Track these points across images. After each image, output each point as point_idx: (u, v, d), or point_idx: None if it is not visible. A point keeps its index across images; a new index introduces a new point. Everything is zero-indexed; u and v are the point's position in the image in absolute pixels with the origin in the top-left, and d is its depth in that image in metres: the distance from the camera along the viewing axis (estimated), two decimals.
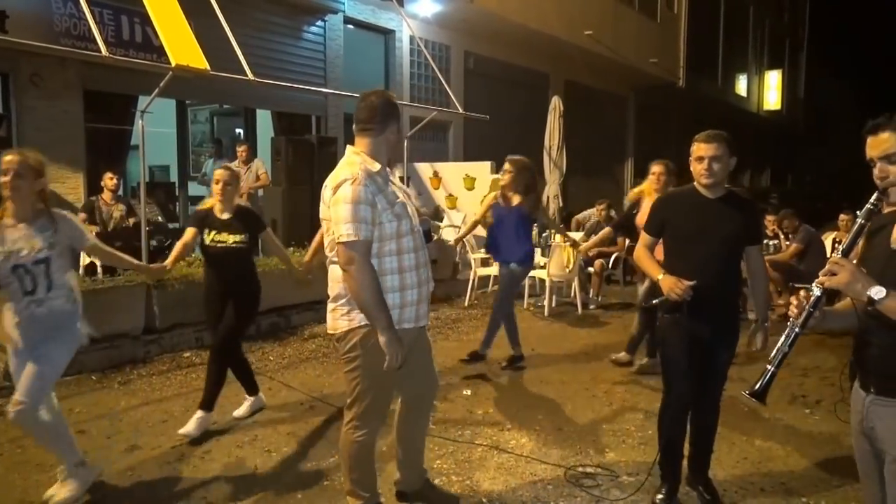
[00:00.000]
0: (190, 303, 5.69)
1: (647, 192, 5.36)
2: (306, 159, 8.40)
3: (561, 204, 10.89)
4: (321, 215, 2.77)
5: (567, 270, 7.99)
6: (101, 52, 5.81)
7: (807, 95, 30.98)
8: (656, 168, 5.28)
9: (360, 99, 2.80)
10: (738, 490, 3.41)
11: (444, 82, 10.35)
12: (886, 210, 1.95)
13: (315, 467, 3.66)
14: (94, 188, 7.57)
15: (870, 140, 1.88)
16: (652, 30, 17.02)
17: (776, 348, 1.98)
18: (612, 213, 9.44)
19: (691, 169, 3.11)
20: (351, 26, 10.47)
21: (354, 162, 2.68)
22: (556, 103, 10.69)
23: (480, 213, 6.00)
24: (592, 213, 9.86)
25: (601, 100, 16.51)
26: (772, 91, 26.61)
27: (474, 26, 11.81)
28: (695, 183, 3.14)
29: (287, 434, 4.11)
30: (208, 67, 6.20)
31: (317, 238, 4.11)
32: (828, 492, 3.37)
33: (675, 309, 3.05)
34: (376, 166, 2.69)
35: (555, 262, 7.81)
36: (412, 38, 10.98)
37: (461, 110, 10.52)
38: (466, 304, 8.26)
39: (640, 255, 3.31)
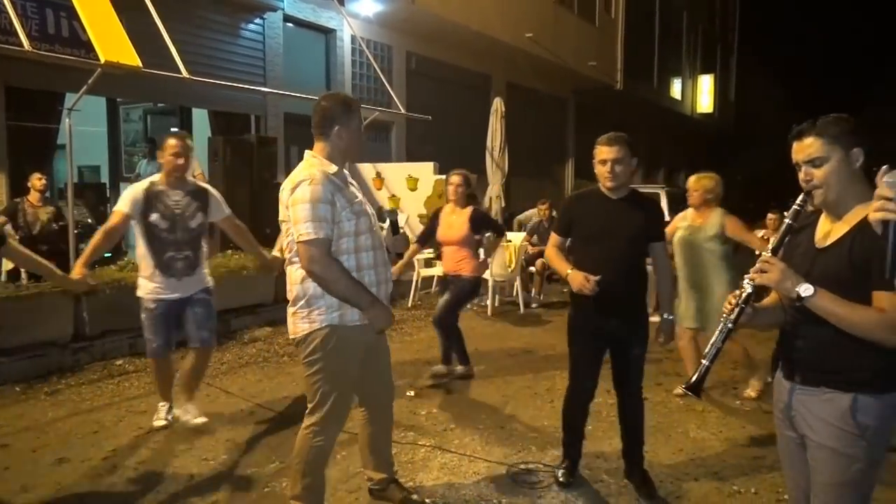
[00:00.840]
0: (122, 308, 5.48)
1: (446, 203, 5.40)
2: (245, 160, 8.21)
3: (503, 204, 10.99)
4: (280, 217, 2.79)
5: (509, 270, 8.08)
6: (23, 46, 5.54)
7: (737, 99, 32.22)
8: (454, 179, 5.27)
9: (314, 104, 2.85)
10: (672, 481, 3.51)
11: (385, 83, 10.30)
12: (811, 210, 2.04)
13: (254, 474, 3.58)
14: (17, 190, 7.20)
15: (795, 145, 1.96)
16: (590, 33, 17.37)
17: (710, 343, 2.04)
18: (554, 213, 9.59)
19: (595, 171, 3.24)
20: (291, 25, 10.31)
21: (312, 164, 2.72)
22: (497, 105, 10.78)
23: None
24: (534, 214, 9.98)
25: (542, 101, 16.75)
26: (704, 94, 27.55)
27: (416, 27, 11.80)
28: (599, 184, 3.27)
29: (226, 441, 4.01)
30: (140, 64, 6.00)
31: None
32: (758, 479, 3.51)
33: (580, 307, 3.24)
34: (332, 168, 2.72)
35: (497, 262, 7.87)
36: (353, 38, 10.90)
37: (403, 111, 10.50)
38: (410, 304, 8.25)
39: (550, 254, 3.46)
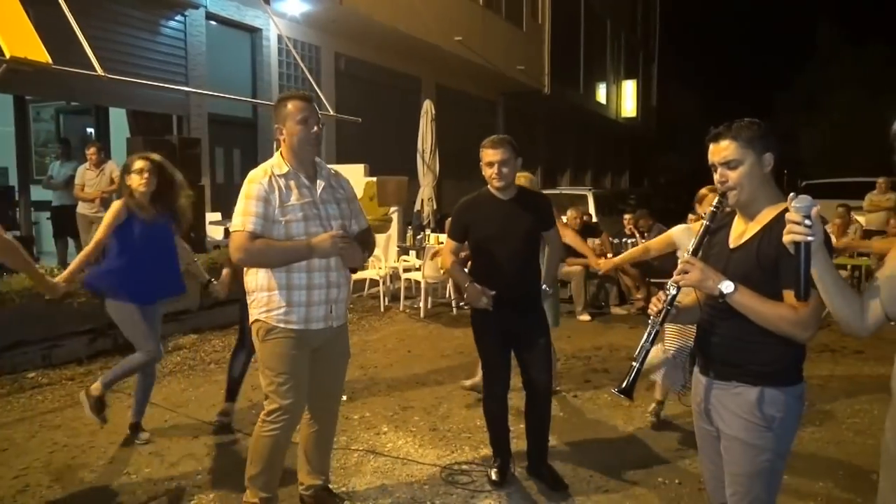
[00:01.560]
0: (34, 318, 5.19)
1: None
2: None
3: (435, 206, 11.01)
4: None
5: (441, 272, 8.09)
6: None
7: (659, 104, 33.46)
8: None
9: None
10: (601, 475, 3.59)
11: (314, 83, 10.16)
12: (728, 210, 2.13)
13: (181, 486, 3.45)
14: None
15: (712, 147, 2.04)
16: (518, 38, 17.67)
17: (640, 346, 2.11)
18: None
19: (483, 174, 3.33)
20: (214, 23, 10.01)
21: (268, 163, 2.83)
22: (427, 107, 10.80)
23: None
24: None
25: (472, 104, 16.91)
26: (628, 99, 28.47)
27: (344, 27, 11.69)
28: (488, 186, 3.35)
29: (149, 454, 3.84)
30: (49, 60, 5.69)
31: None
32: (681, 470, 3.65)
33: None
34: (283, 168, 2.79)
35: (429, 264, 7.88)
36: (280, 38, 10.69)
37: (332, 112, 10.37)
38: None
39: (447, 262, 3.53)
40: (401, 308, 8.09)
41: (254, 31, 10.74)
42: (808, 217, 1.64)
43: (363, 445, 3.98)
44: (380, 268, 8.35)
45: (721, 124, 2.04)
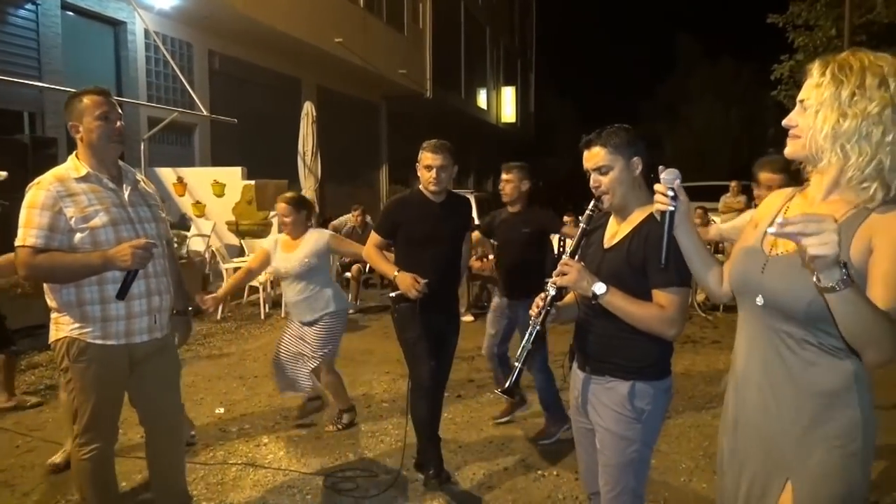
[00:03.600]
0: None
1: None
2: (18, 163, 7.18)
3: (317, 210, 10.81)
4: None
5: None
6: None
7: (537, 110, 34.75)
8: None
9: None
10: (484, 471, 3.67)
11: (185, 82, 9.67)
12: (603, 212, 2.24)
13: None
14: None
15: (585, 154, 2.14)
16: (400, 42, 17.72)
17: (521, 346, 2.16)
18: (368, 218, 9.62)
19: (419, 175, 3.36)
20: (71, 13, 9.28)
21: (60, 167, 2.56)
22: (308, 109, 10.58)
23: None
24: (349, 219, 9.95)
25: (354, 107, 16.76)
26: (508, 105, 29.34)
27: (218, 24, 11.20)
28: (421, 187, 3.39)
29: None
30: None
31: None
32: (559, 462, 3.78)
33: (408, 300, 3.27)
34: (82, 171, 2.53)
35: None
36: (147, 32, 10.08)
37: (206, 112, 9.92)
38: (219, 316, 7.80)
39: (371, 254, 3.50)
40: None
41: (117, 25, 10.05)
42: (672, 188, 1.75)
43: (242, 458, 3.82)
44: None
45: (593, 130, 2.14)
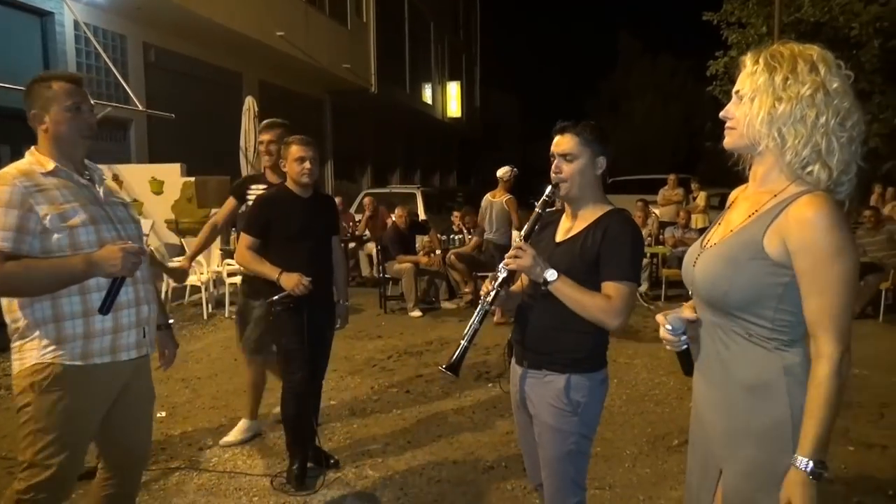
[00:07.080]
0: None
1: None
2: None
3: None
4: None
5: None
6: None
7: (482, 106, 34.90)
8: None
9: None
10: (434, 466, 3.67)
11: (119, 76, 9.32)
12: (556, 209, 2.27)
13: None
14: None
15: (556, 138, 2.16)
16: (343, 36, 17.51)
17: (469, 325, 2.16)
18: None
19: (288, 168, 3.34)
20: None
21: (21, 161, 2.20)
22: (250, 103, 10.34)
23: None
24: None
25: (297, 101, 16.48)
26: (453, 100, 29.34)
27: (153, 16, 10.83)
28: (287, 183, 3.40)
29: None
30: None
31: None
32: (508, 455, 3.81)
33: (291, 301, 3.25)
34: (49, 165, 2.17)
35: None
36: (77, 24, 9.67)
37: (142, 107, 9.60)
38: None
39: (246, 257, 3.38)
40: (226, 314, 7.69)
41: (44, 15, 9.59)
42: (676, 330, 1.67)
43: (184, 462, 3.72)
44: (201, 273, 7.86)
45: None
